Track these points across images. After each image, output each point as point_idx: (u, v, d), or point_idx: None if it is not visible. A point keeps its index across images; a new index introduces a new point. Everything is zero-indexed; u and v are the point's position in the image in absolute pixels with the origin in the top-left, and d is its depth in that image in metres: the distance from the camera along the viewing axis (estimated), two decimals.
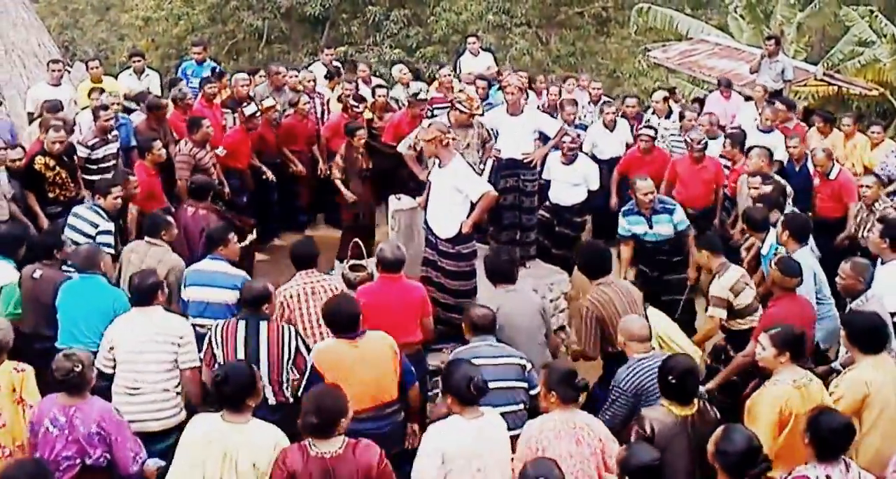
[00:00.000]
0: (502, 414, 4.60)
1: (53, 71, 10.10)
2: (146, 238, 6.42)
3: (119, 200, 6.97)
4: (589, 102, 10.41)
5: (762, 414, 4.51)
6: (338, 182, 8.68)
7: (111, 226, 6.78)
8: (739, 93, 11.22)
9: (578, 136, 8.80)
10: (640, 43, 18.19)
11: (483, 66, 11.60)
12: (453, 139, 6.60)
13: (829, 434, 3.86)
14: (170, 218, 6.61)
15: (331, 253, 8.58)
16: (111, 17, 21.55)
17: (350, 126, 8.78)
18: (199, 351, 5.24)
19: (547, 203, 8.46)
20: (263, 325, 5.12)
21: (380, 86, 10.55)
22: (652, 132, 8.93)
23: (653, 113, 10.21)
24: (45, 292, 5.84)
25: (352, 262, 7.33)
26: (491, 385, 4.59)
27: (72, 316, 5.62)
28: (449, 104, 9.69)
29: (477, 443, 4.22)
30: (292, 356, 5.10)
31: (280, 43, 18.75)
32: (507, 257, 5.98)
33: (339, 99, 9.81)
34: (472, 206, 6.49)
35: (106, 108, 8.57)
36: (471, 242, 6.64)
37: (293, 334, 5.16)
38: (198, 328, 5.53)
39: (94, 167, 8.23)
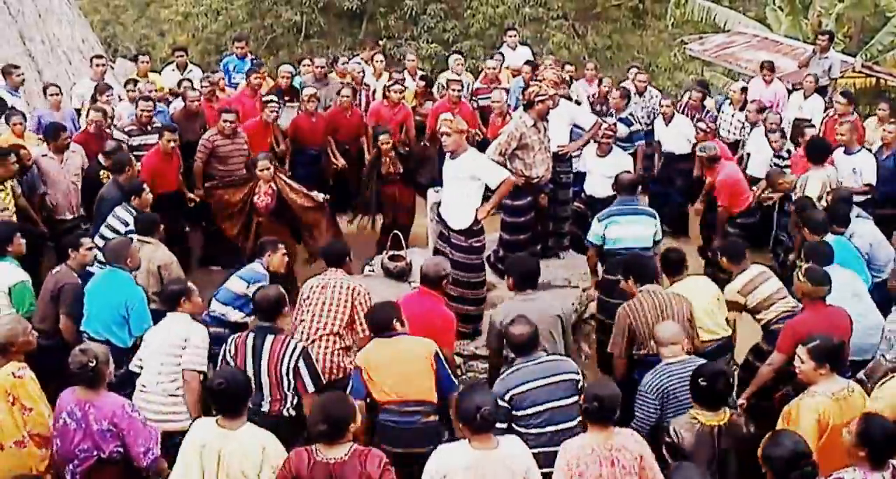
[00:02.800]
0: (560, 431, 4.65)
1: (97, 66, 10.34)
2: (137, 237, 6.49)
3: (148, 199, 7.11)
4: (634, 93, 10.40)
5: (801, 424, 4.51)
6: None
7: None
8: (780, 79, 11.14)
9: (615, 124, 8.84)
10: (677, 36, 18.05)
11: (520, 59, 11.65)
12: (463, 131, 6.60)
13: (881, 440, 3.91)
14: (157, 217, 6.73)
15: (371, 242, 8.78)
16: (151, 13, 21.83)
17: (376, 130, 8.95)
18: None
19: (582, 195, 8.53)
20: (269, 339, 5.08)
21: (423, 76, 10.79)
22: (704, 126, 9.05)
23: (730, 103, 10.26)
24: (50, 287, 6.07)
25: (391, 252, 7.52)
26: (545, 406, 4.72)
27: (92, 305, 5.88)
28: (490, 95, 9.96)
29: (476, 473, 4.09)
30: (291, 374, 5.03)
31: (318, 37, 18.88)
32: (536, 263, 5.85)
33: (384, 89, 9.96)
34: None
35: (147, 99, 8.82)
36: (482, 235, 6.70)
37: (297, 353, 5.06)
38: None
39: (132, 154, 8.35)
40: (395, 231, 7.91)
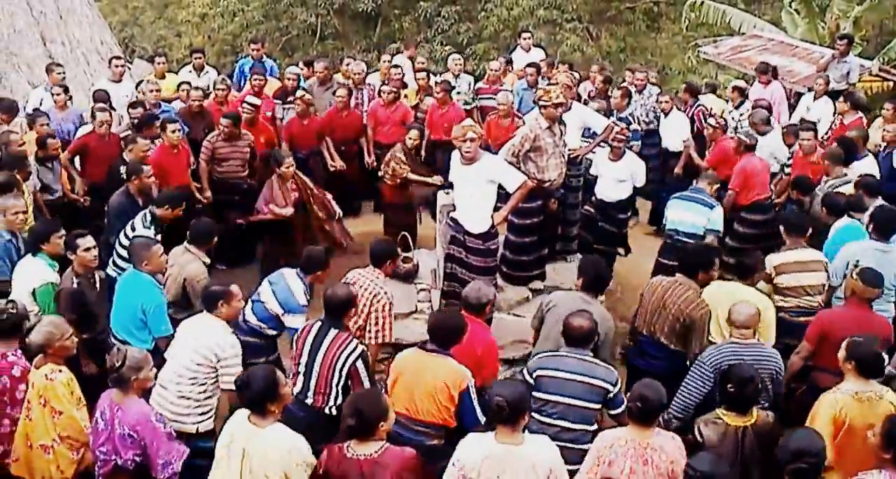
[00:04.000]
0: (572, 430, 4.73)
1: (116, 67, 10.43)
2: (185, 244, 6.44)
3: (169, 212, 6.94)
4: (634, 91, 10.43)
5: (818, 418, 4.62)
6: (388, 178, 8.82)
7: (148, 233, 6.73)
8: (780, 81, 11.17)
9: (628, 127, 8.85)
10: (691, 39, 17.99)
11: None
12: (481, 136, 6.69)
13: None
14: (211, 227, 6.55)
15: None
16: (169, 15, 21.93)
17: (407, 126, 9.00)
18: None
19: (592, 199, 8.53)
20: (332, 333, 5.10)
21: (422, 70, 10.89)
22: (714, 122, 9.05)
23: (726, 102, 10.34)
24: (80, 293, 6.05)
25: (403, 255, 7.54)
26: (562, 399, 4.80)
27: (116, 307, 5.93)
28: (494, 94, 9.97)
29: (497, 466, 4.08)
30: (346, 371, 5.04)
31: (333, 39, 18.95)
32: (607, 268, 5.97)
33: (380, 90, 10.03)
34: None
35: (134, 106, 8.92)
36: (497, 238, 6.75)
37: (357, 353, 5.05)
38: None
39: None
40: (404, 232, 7.96)
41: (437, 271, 7.46)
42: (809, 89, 10.75)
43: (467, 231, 6.66)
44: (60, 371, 4.86)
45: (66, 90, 9.44)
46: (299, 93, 9.60)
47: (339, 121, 9.75)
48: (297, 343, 5.23)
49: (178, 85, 10.14)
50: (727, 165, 8.39)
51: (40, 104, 9.59)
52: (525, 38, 12.39)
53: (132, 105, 9.04)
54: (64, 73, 9.96)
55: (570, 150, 7.49)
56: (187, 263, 6.30)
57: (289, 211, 8.10)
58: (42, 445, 4.78)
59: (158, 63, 10.98)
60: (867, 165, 7.90)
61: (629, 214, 8.76)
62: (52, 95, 9.38)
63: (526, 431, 4.32)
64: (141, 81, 9.94)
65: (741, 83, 10.73)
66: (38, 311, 5.90)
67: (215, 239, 6.56)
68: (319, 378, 5.10)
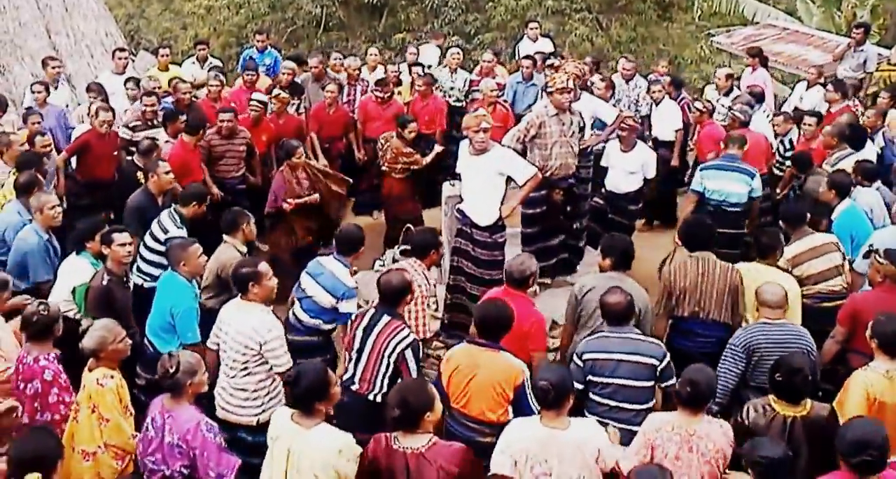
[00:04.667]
0: (626, 410, 4.73)
1: (119, 59, 10.32)
2: (224, 236, 6.27)
3: (196, 209, 6.74)
4: (623, 82, 10.25)
5: (850, 396, 4.69)
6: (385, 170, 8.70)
7: (181, 233, 6.55)
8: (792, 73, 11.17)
9: (637, 118, 8.69)
10: (704, 28, 17.75)
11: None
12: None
13: None
14: (239, 213, 6.38)
15: (377, 238, 8.65)
16: (175, 6, 21.80)
17: (403, 118, 8.79)
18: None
19: (602, 190, 8.39)
20: (383, 320, 5.03)
21: (417, 64, 10.70)
22: (700, 106, 9.04)
23: (715, 89, 10.19)
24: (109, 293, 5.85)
25: (402, 247, 7.42)
26: (616, 381, 4.79)
27: (153, 308, 5.73)
28: (500, 88, 9.86)
29: (543, 449, 4.10)
30: (394, 359, 4.95)
31: (338, 30, 18.79)
32: (631, 243, 5.92)
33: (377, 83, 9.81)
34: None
35: (149, 94, 8.74)
36: (504, 231, 6.63)
37: (408, 342, 4.97)
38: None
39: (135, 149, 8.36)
40: (408, 225, 7.79)
41: (442, 265, 7.32)
42: (802, 79, 10.75)
43: (474, 223, 6.56)
44: (111, 377, 4.73)
45: (47, 88, 9.20)
46: (275, 92, 9.35)
47: (326, 118, 9.52)
48: (350, 329, 5.15)
49: (169, 80, 9.91)
50: (713, 148, 8.41)
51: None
52: (532, 28, 12.20)
53: (147, 93, 8.85)
54: (59, 66, 9.80)
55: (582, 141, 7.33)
56: (222, 252, 6.17)
57: (315, 197, 7.99)
58: (83, 450, 4.64)
59: (162, 55, 10.85)
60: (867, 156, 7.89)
61: (640, 205, 8.59)
62: (33, 92, 9.09)
63: (585, 412, 4.54)
64: (130, 79, 9.71)
65: (730, 70, 10.68)
66: (77, 310, 5.85)
67: (246, 222, 6.34)
68: (367, 365, 5.03)
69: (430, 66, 11.03)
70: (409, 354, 4.96)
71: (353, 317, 5.24)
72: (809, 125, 8.49)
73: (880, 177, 7.30)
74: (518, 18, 17.01)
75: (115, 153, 8.38)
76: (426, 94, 9.84)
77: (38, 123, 8.30)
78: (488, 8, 17.79)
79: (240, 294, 5.19)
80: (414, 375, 4.95)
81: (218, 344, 5.26)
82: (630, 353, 4.85)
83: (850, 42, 11.01)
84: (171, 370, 4.37)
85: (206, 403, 4.96)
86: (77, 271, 6.02)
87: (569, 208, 7.40)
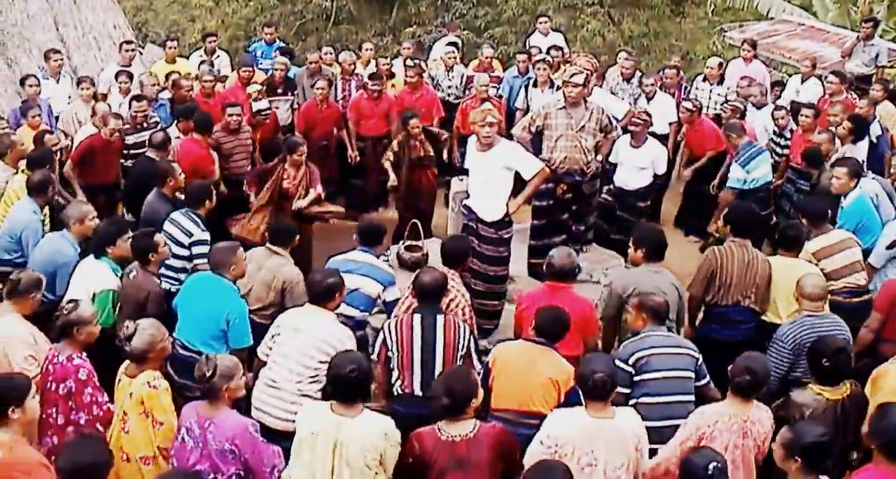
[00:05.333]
0: (671, 403, 4.71)
1: (126, 51, 10.23)
2: (268, 245, 6.14)
3: (209, 207, 6.65)
4: (622, 80, 10.10)
5: (887, 386, 4.67)
6: (388, 167, 8.53)
7: (207, 236, 6.42)
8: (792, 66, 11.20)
9: (648, 113, 8.56)
10: (717, 23, 17.58)
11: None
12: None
13: None
14: (293, 228, 6.28)
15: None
16: None
17: (406, 113, 8.65)
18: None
19: (610, 187, 8.28)
20: (440, 319, 5.01)
21: (412, 57, 10.47)
22: (689, 104, 9.00)
23: (704, 79, 10.14)
24: (133, 294, 5.69)
25: (408, 242, 7.33)
26: (665, 374, 4.78)
27: (190, 312, 5.46)
28: (497, 82, 9.70)
29: (590, 441, 4.12)
30: (464, 353, 5.01)
31: (348, 23, 18.66)
32: (663, 233, 5.85)
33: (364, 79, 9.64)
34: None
35: (139, 99, 8.58)
36: (511, 227, 6.57)
37: (468, 333, 5.05)
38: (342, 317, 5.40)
39: (126, 153, 8.31)
40: (414, 220, 7.67)
41: None
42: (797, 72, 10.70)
43: (480, 219, 6.48)
44: (161, 378, 4.63)
45: (38, 82, 8.98)
46: (320, 83, 9.22)
47: (318, 115, 9.25)
48: (399, 338, 5.00)
49: (167, 75, 9.76)
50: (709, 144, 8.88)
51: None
52: (543, 22, 12.09)
53: (136, 98, 8.64)
54: (62, 59, 9.66)
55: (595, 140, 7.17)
56: (280, 266, 5.96)
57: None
58: (142, 457, 4.54)
59: (169, 48, 10.74)
60: (858, 151, 7.99)
61: (648, 202, 8.49)
62: (29, 86, 8.85)
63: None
64: (122, 72, 9.54)
65: (721, 60, 10.65)
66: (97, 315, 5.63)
67: (297, 237, 6.28)
68: (445, 368, 4.88)
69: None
70: (472, 345, 5.05)
71: (397, 326, 5.06)
72: (807, 117, 8.47)
73: (872, 167, 7.48)
74: (529, 13, 16.85)
75: (117, 157, 8.28)
76: (417, 85, 9.55)
77: (38, 115, 8.21)
78: (499, 2, 17.63)
79: (315, 302, 5.12)
80: (477, 364, 4.99)
81: (268, 353, 5.15)
82: (673, 346, 4.91)
83: (858, 36, 10.87)
84: (208, 374, 4.28)
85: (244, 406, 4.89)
86: (96, 276, 5.79)
87: (574, 207, 7.24)
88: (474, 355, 5.05)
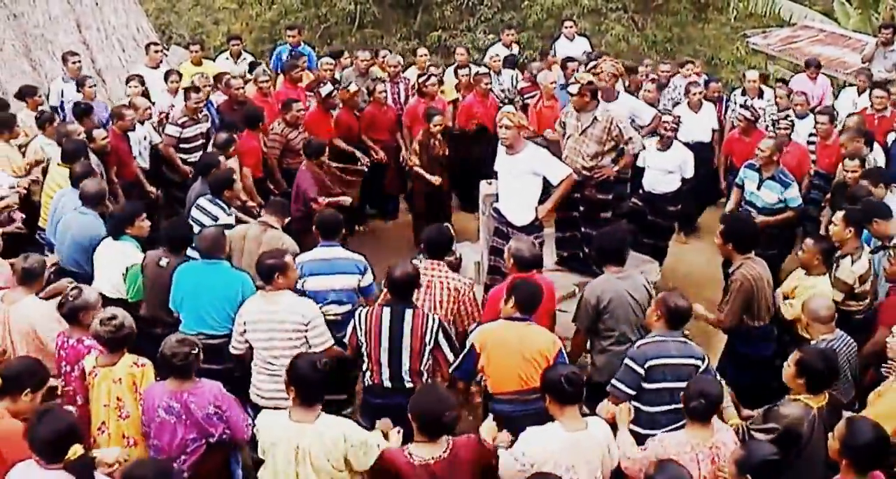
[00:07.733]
0: (672, 411, 4.62)
1: (154, 53, 10.33)
2: (259, 219, 6.36)
3: (231, 195, 6.87)
4: (656, 86, 10.03)
5: (883, 405, 4.49)
6: (417, 169, 8.63)
7: (231, 220, 6.63)
8: (827, 76, 10.89)
9: (678, 118, 8.53)
10: (740, 29, 17.52)
11: (578, 51, 11.36)
12: (528, 127, 6.65)
13: None
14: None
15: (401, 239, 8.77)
16: (206, 1, 21.86)
17: (430, 111, 8.71)
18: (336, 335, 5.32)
19: (640, 191, 8.27)
20: (408, 313, 5.02)
21: (462, 66, 10.44)
22: (748, 113, 8.75)
23: (742, 93, 10.02)
24: (154, 279, 5.83)
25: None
26: (669, 385, 4.66)
27: (199, 302, 5.53)
28: (537, 93, 9.70)
29: (569, 457, 4.08)
30: (432, 346, 5.03)
31: (372, 27, 18.73)
32: (620, 236, 5.70)
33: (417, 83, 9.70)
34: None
35: (197, 90, 8.75)
36: (542, 231, 6.59)
37: (437, 324, 5.05)
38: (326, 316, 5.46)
39: (186, 146, 8.51)
40: (446, 223, 7.71)
41: (480, 264, 7.26)
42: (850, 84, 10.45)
43: (511, 223, 6.51)
44: (140, 357, 4.78)
45: (80, 60, 9.35)
46: (380, 87, 9.34)
47: (381, 117, 9.36)
48: (368, 329, 5.04)
49: (216, 76, 9.90)
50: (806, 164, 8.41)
51: (62, 96, 9.42)
52: (568, 27, 12.08)
53: (194, 89, 8.81)
54: (80, 62, 9.75)
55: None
56: (279, 238, 6.17)
57: (347, 199, 7.98)
58: (134, 438, 4.73)
59: (193, 51, 10.83)
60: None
61: (678, 206, 8.45)
62: (89, 87, 9.12)
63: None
64: (173, 72, 9.73)
65: (760, 72, 10.55)
66: (127, 292, 5.90)
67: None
68: (412, 360, 4.98)
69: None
70: (441, 337, 5.01)
71: (366, 319, 5.09)
72: (823, 124, 8.28)
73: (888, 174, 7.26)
74: (553, 17, 16.88)
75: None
76: (486, 93, 9.72)
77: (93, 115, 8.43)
78: (524, 6, 17.67)
79: (265, 286, 5.27)
80: (450, 355, 5.01)
81: (238, 348, 5.32)
82: (684, 356, 4.77)
83: (877, 40, 10.78)
84: (194, 352, 4.48)
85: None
86: (124, 254, 5.99)
87: (582, 208, 7.23)
88: (445, 347, 5.03)
